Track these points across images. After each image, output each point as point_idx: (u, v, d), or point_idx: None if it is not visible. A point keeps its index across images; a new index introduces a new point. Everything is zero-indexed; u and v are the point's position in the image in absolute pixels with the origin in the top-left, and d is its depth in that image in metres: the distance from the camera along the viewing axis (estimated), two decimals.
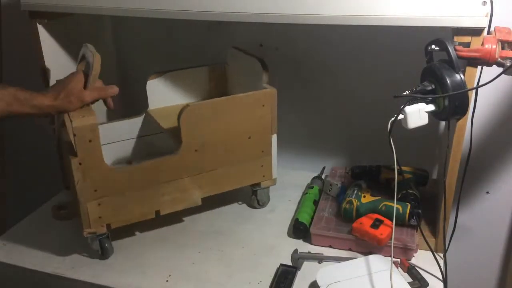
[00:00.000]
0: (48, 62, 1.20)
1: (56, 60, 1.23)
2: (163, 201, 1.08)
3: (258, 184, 1.21)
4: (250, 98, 1.10)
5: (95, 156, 0.98)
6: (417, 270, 1.00)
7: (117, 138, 1.24)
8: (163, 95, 1.29)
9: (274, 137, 1.17)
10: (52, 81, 1.22)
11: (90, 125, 0.95)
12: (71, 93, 0.97)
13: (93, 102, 1.01)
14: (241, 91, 1.12)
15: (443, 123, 1.24)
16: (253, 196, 1.24)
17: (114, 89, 1.02)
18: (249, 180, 1.19)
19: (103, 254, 1.07)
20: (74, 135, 0.94)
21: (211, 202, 1.18)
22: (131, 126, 1.26)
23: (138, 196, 1.05)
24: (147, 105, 1.28)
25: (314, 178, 1.32)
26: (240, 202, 1.27)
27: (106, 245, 1.06)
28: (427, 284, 0.97)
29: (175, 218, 1.19)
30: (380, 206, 1.09)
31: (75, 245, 1.11)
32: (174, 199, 1.09)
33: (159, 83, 1.27)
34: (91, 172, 0.98)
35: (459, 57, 0.88)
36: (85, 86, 0.99)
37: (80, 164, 0.97)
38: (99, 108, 1.05)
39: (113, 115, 1.43)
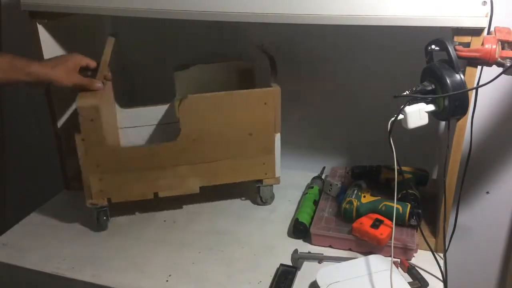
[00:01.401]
0: None
1: None
2: (161, 185, 1.13)
3: (260, 181, 1.22)
4: (252, 95, 1.11)
5: (97, 134, 1.05)
6: (417, 270, 1.00)
7: (142, 123, 1.29)
8: (189, 87, 1.29)
9: (278, 136, 1.17)
10: None
11: (92, 106, 1.02)
12: (69, 69, 1.04)
13: (76, 88, 1.06)
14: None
15: (443, 123, 1.24)
16: (256, 193, 1.25)
17: (99, 86, 1.06)
18: (249, 175, 1.20)
19: (99, 226, 1.15)
20: (77, 113, 1.02)
21: (216, 199, 1.18)
22: (156, 113, 1.29)
23: (137, 176, 1.11)
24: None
25: (314, 178, 1.32)
26: (243, 198, 1.29)
27: (104, 218, 1.14)
28: (427, 284, 0.97)
29: (175, 217, 1.20)
30: (380, 206, 1.09)
31: (75, 245, 1.12)
32: (171, 184, 1.14)
33: (187, 74, 1.29)
34: (93, 149, 1.06)
35: (459, 57, 0.88)
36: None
37: (82, 140, 1.04)
38: None
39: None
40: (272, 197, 1.27)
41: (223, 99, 1.10)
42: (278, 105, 1.13)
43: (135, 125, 1.28)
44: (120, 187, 1.11)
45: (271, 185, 1.24)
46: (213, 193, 1.16)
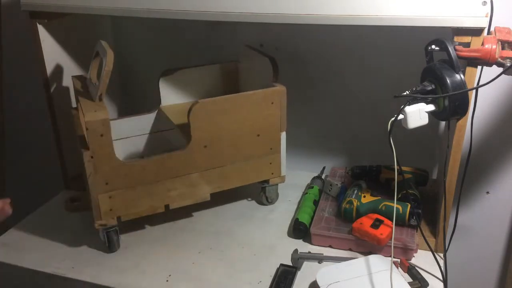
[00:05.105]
0: (48, 62, 1.20)
1: (56, 60, 1.23)
2: (172, 196, 1.10)
3: (266, 181, 1.22)
4: (259, 95, 1.11)
5: (107, 150, 1.00)
6: (417, 270, 1.00)
7: (130, 133, 1.25)
8: (175, 92, 1.30)
9: (283, 135, 1.17)
10: (51, 81, 1.23)
11: (101, 120, 0.97)
12: None
13: None
14: (253, 89, 1.13)
15: (443, 123, 1.24)
16: (261, 193, 1.24)
17: (7, 212, 1.03)
18: (257, 177, 1.19)
19: (110, 247, 1.08)
20: (87, 129, 0.96)
21: (216, 200, 1.18)
22: (144, 122, 1.27)
23: (147, 189, 1.07)
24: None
25: (314, 178, 1.32)
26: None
27: (114, 238, 1.08)
28: (427, 284, 0.97)
29: (175, 217, 1.20)
30: (380, 206, 1.09)
31: (75, 245, 1.12)
32: (183, 194, 1.11)
33: (172, 80, 1.27)
34: (103, 166, 1.00)
35: (459, 57, 0.88)
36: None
37: (91, 157, 0.98)
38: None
39: (113, 114, 1.43)
40: (277, 196, 1.27)
41: (233, 101, 1.09)
42: (284, 103, 1.14)
43: (123, 136, 1.25)
44: (130, 204, 1.06)
45: (277, 184, 1.24)
46: (215, 194, 1.16)
